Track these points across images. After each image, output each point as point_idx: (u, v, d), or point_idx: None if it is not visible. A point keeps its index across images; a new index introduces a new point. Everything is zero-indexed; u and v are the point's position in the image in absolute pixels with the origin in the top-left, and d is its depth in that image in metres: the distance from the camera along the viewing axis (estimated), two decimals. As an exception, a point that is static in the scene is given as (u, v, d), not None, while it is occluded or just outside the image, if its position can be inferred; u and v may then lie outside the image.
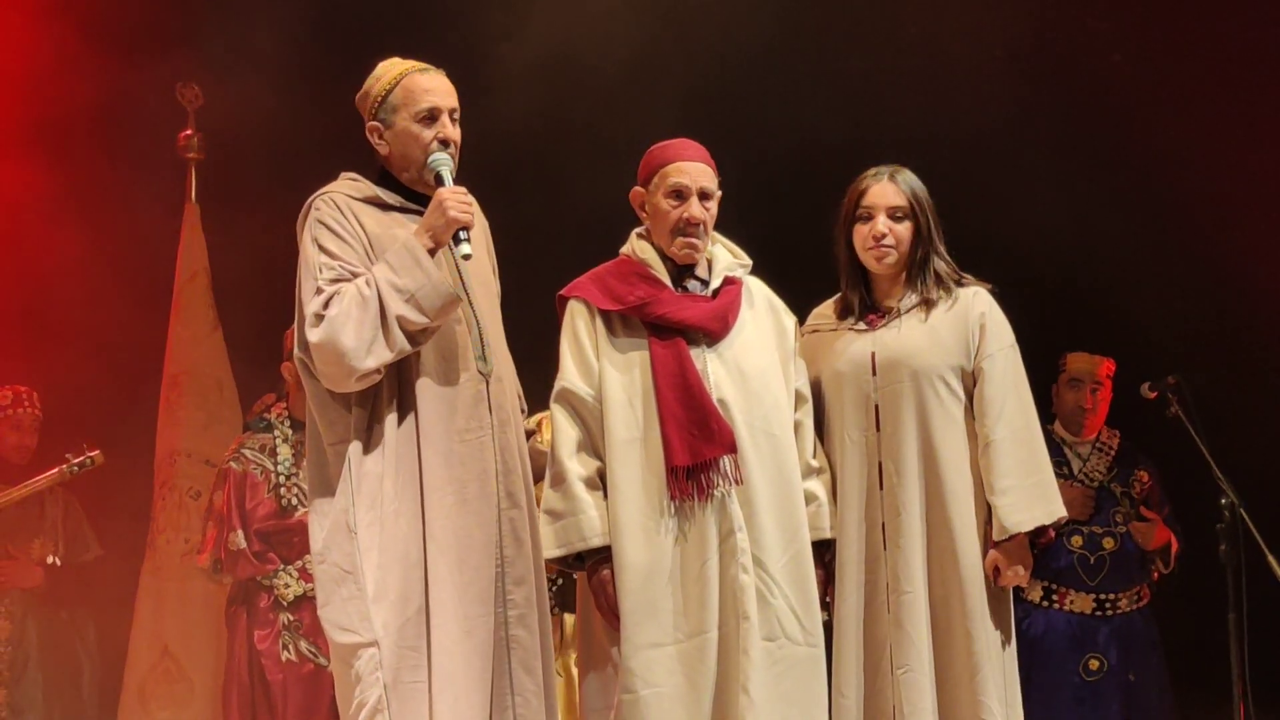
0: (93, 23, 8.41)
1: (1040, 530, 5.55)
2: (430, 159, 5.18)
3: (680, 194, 5.47)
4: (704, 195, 5.49)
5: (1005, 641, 5.61)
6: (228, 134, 8.45)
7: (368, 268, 5.05)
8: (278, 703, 7.18)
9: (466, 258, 5.12)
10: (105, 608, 8.09)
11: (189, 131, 8.47)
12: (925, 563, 5.55)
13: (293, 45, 8.44)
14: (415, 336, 5.02)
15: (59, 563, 7.70)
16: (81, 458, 7.52)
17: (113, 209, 8.37)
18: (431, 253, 5.04)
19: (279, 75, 8.38)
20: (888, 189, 5.68)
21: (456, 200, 5.06)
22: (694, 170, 5.50)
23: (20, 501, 7.66)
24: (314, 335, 4.97)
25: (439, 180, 5.15)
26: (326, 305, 4.98)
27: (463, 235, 5.08)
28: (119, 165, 8.41)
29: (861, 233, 5.69)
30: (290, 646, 7.18)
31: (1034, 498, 5.53)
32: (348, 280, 5.01)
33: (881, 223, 5.65)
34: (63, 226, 8.32)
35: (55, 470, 7.52)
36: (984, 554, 5.56)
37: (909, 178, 5.70)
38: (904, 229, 5.66)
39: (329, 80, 8.21)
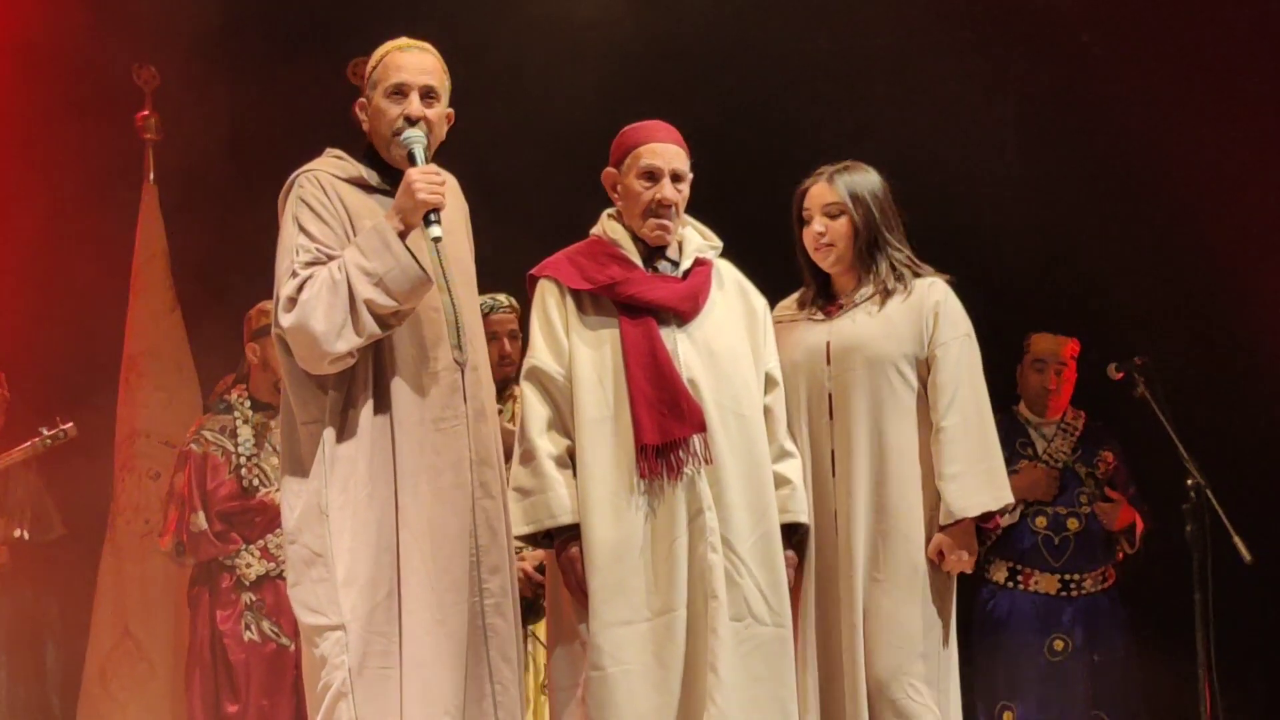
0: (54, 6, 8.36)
1: (987, 516, 5.57)
2: (402, 136, 5.14)
3: (652, 175, 5.47)
4: (676, 177, 5.49)
5: (945, 631, 5.65)
6: (185, 114, 8.40)
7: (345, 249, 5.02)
8: (240, 682, 7.17)
9: (437, 240, 5.08)
10: (69, 588, 8.05)
11: (146, 112, 8.42)
12: (868, 549, 5.58)
13: (250, 25, 8.41)
14: (386, 320, 4.99)
15: (27, 537, 7.64)
16: (55, 430, 7.47)
17: (73, 188, 8.31)
18: (403, 235, 5.01)
19: (237, 55, 8.34)
20: (823, 189, 5.77)
21: (426, 181, 5.02)
22: (666, 152, 5.50)
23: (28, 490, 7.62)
24: (286, 319, 4.95)
25: (411, 159, 5.12)
26: (300, 289, 4.95)
27: (433, 217, 5.04)
28: (79, 145, 8.34)
29: (806, 235, 5.79)
30: (252, 626, 7.17)
31: (981, 483, 5.57)
32: (323, 264, 4.98)
33: (818, 222, 5.75)
34: (22, 203, 8.27)
35: (29, 443, 7.47)
36: (927, 541, 5.60)
37: (849, 176, 5.77)
38: (840, 224, 5.74)
39: (290, 60, 8.20)
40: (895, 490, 5.59)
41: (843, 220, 5.71)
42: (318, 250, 5.02)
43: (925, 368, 5.66)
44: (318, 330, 4.90)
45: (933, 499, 5.61)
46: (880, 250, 5.72)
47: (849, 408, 5.63)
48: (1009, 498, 5.62)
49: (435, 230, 5.05)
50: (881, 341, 5.64)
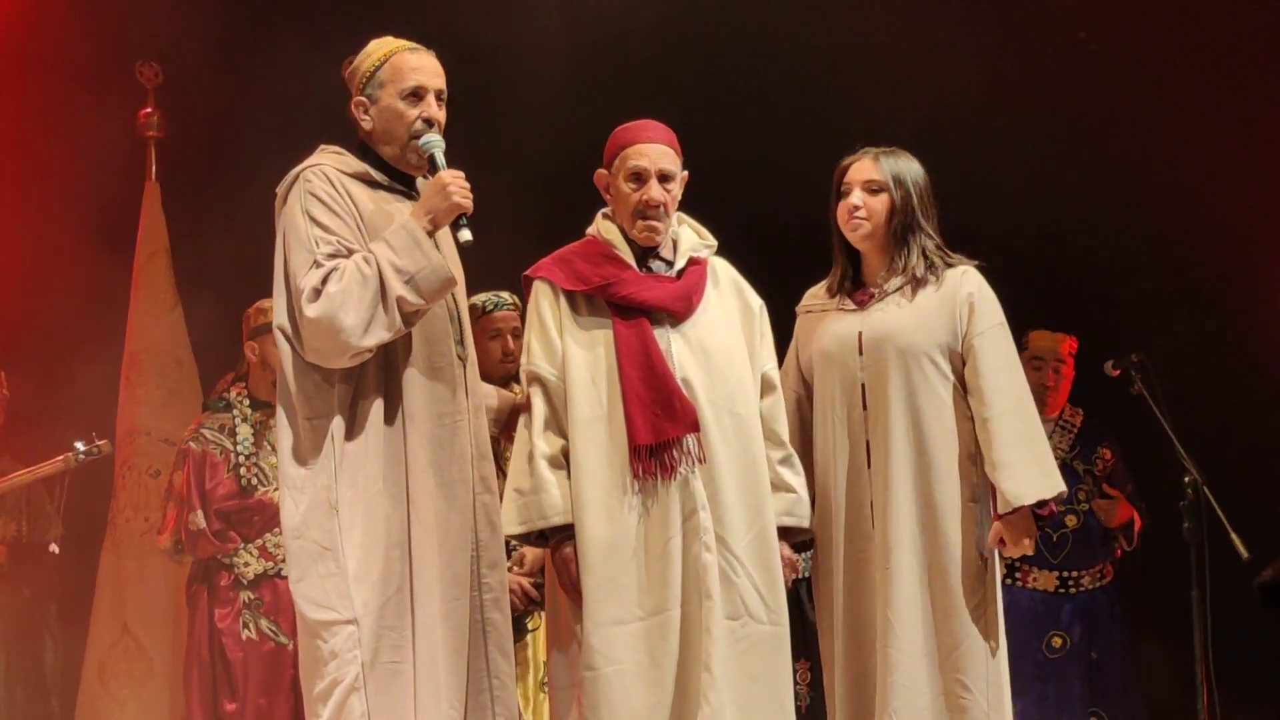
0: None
1: (1041, 503, 5.57)
2: (423, 141, 5.16)
3: (640, 176, 5.47)
4: (664, 177, 5.48)
5: (990, 620, 5.63)
6: (188, 112, 8.41)
7: (361, 244, 5.03)
8: (238, 681, 7.18)
9: (468, 243, 5.11)
10: (67, 586, 8.06)
11: (149, 109, 8.43)
12: (916, 539, 5.57)
13: (252, 21, 8.42)
14: (410, 318, 5.00)
15: (57, 550, 7.59)
16: (89, 446, 7.43)
17: (74, 185, 8.31)
18: (429, 235, 5.03)
19: (239, 52, 8.35)
20: (866, 165, 5.77)
21: (459, 185, 5.06)
22: (653, 152, 5.48)
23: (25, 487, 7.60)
24: (311, 310, 4.92)
25: (432, 162, 5.15)
26: (325, 280, 4.94)
27: (463, 221, 5.08)
28: (81, 142, 8.35)
29: (841, 208, 5.76)
30: (251, 625, 7.17)
31: (1035, 471, 5.57)
32: (344, 256, 4.99)
33: (856, 195, 5.73)
34: (22, 201, 8.27)
35: (60, 458, 7.42)
36: (965, 533, 5.59)
37: (894, 159, 5.77)
38: (879, 202, 5.72)
39: (289, 57, 8.20)
40: (935, 483, 5.59)
41: (882, 198, 5.71)
42: (338, 242, 5.01)
43: (959, 359, 5.66)
44: (347, 323, 4.90)
45: (970, 491, 5.62)
46: (914, 235, 5.72)
47: (883, 399, 5.63)
48: (1061, 485, 5.62)
49: (465, 234, 5.08)
50: (914, 332, 5.64)
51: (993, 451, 5.57)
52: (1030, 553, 5.68)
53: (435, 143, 5.16)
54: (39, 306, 8.25)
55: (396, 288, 4.93)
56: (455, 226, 5.09)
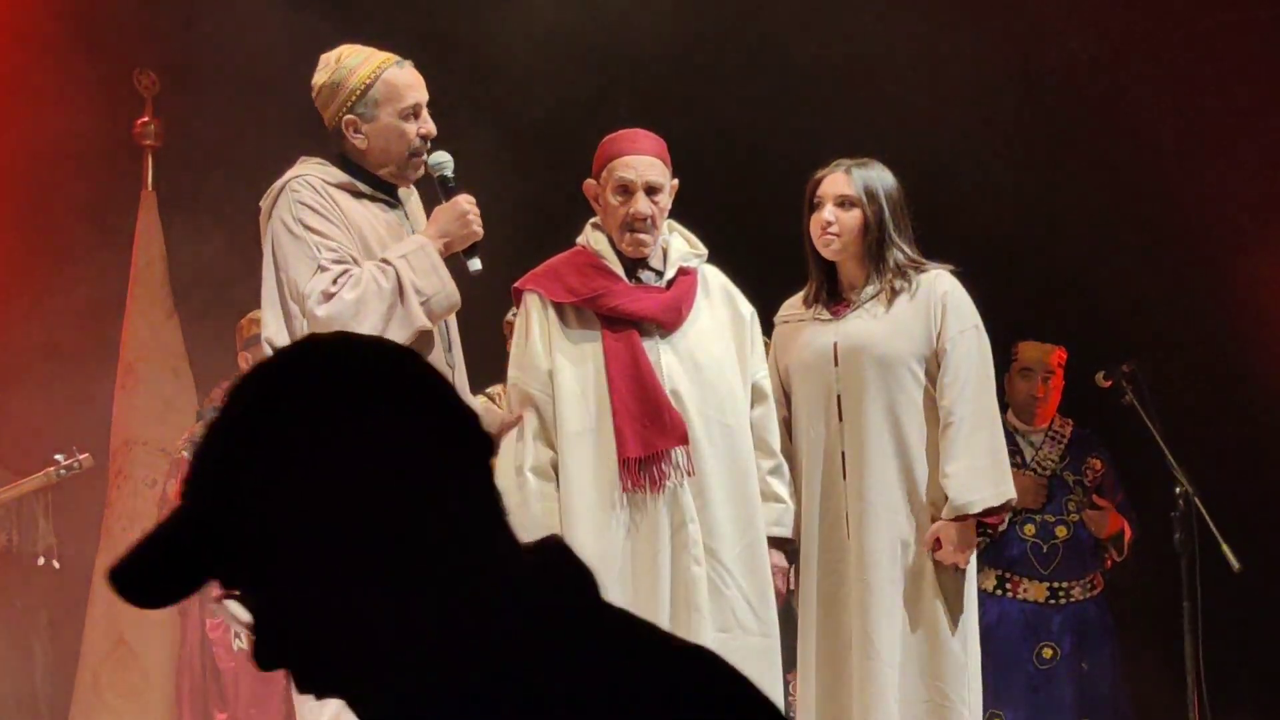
0: (49, 9, 8.38)
1: (989, 512, 5.57)
2: (432, 161, 5.19)
3: (626, 189, 5.46)
4: (651, 189, 5.47)
5: (965, 629, 5.64)
6: (185, 121, 8.41)
7: (357, 251, 5.04)
8: (229, 692, 7.19)
9: (477, 272, 5.14)
10: (58, 596, 8.05)
11: (145, 119, 8.42)
12: (893, 550, 5.57)
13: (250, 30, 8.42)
14: (412, 336, 5.02)
15: (57, 565, 7.59)
16: (70, 460, 7.44)
17: (70, 192, 8.32)
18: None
19: (239, 58, 8.35)
20: (839, 179, 5.75)
21: (477, 213, 5.11)
22: (640, 164, 5.47)
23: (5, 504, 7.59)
24: (323, 310, 4.93)
25: (443, 182, 5.19)
26: (336, 283, 4.96)
27: (475, 249, 5.13)
28: (77, 150, 8.36)
29: (813, 221, 5.75)
30: (241, 635, 7.17)
31: (984, 479, 5.56)
32: (348, 262, 5.00)
33: (828, 211, 5.72)
34: (18, 207, 8.28)
35: (42, 473, 7.44)
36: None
37: (867, 171, 5.75)
38: (851, 217, 5.71)
39: (289, 65, 8.22)
40: (913, 493, 5.61)
41: (854, 214, 5.70)
42: (339, 247, 5.03)
43: (935, 363, 5.66)
44: (360, 331, 4.89)
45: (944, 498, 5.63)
46: (887, 249, 5.71)
47: (860, 409, 5.62)
48: (1011, 493, 5.63)
49: (476, 263, 5.13)
50: (891, 341, 5.64)
51: (945, 457, 5.58)
52: (963, 564, 5.67)
53: (445, 163, 5.19)
54: (33, 315, 8.24)
55: (413, 306, 4.97)
56: (466, 254, 5.12)
